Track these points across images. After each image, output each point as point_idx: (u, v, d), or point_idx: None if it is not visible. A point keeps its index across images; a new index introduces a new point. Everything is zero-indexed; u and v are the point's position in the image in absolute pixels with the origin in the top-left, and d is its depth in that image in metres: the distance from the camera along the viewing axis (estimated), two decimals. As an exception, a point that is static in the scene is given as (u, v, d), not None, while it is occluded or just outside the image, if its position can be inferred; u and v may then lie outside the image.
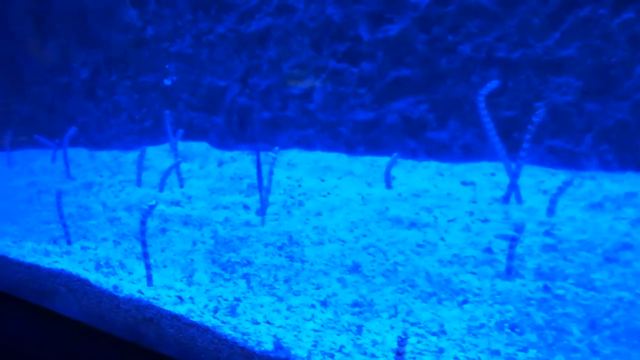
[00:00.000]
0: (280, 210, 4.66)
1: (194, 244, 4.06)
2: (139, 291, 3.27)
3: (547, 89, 5.75)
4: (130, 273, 3.56)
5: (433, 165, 5.94)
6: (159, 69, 7.17)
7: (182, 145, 7.10)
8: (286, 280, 3.35)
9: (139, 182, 5.50)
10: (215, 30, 6.84)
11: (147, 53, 7.19)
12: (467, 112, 6.05)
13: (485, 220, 4.18)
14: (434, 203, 4.68)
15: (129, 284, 3.37)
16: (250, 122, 6.96)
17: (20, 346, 3.28)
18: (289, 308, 3.03)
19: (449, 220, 4.23)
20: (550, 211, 4.28)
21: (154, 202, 3.27)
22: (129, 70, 7.28)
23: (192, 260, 3.77)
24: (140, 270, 3.59)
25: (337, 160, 6.34)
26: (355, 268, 3.50)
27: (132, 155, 6.95)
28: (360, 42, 6.38)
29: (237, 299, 3.16)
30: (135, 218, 4.61)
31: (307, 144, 6.76)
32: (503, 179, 5.39)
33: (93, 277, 3.44)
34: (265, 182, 5.09)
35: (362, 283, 3.31)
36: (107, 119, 7.44)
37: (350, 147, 6.56)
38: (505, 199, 4.61)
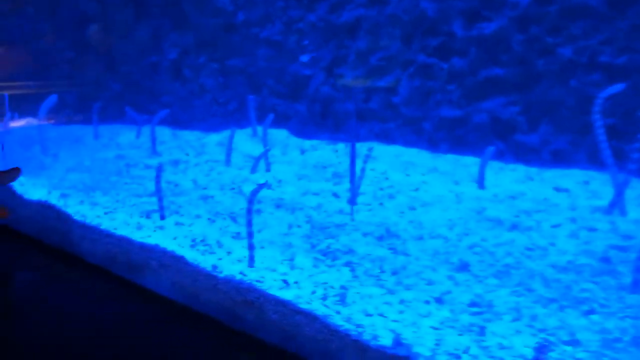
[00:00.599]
0: (371, 201, 4.45)
1: (290, 227, 3.89)
2: (241, 272, 3.11)
3: (653, 97, 5.35)
4: (229, 252, 3.40)
5: (521, 168, 5.61)
6: (247, 54, 7.06)
7: (263, 131, 6.98)
8: (394, 273, 3.13)
9: (227, 162, 5.38)
10: (306, 18, 6.67)
11: (237, 38, 7.08)
12: (561, 117, 5.69)
13: (592, 229, 3.86)
14: (532, 207, 4.38)
15: (229, 264, 3.22)
16: (332, 112, 6.77)
17: (107, 323, 3.17)
18: (401, 302, 2.82)
19: (553, 226, 3.93)
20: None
21: (263, 181, 3.10)
22: (217, 53, 7.20)
23: (290, 243, 3.59)
24: (238, 250, 3.44)
25: (418, 156, 6.09)
26: (464, 267, 3.26)
27: (214, 137, 6.86)
28: (454, 38, 6.09)
29: (343, 287, 2.97)
30: (227, 197, 4.48)
31: (387, 138, 6.53)
32: (598, 187, 5.04)
33: (189, 254, 3.31)
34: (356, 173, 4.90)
35: (474, 282, 3.07)
36: (191, 100, 7.38)
37: (433, 144, 6.29)
38: (609, 209, 4.26)
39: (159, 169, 4.02)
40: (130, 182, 5.04)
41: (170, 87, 7.51)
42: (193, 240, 3.52)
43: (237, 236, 3.68)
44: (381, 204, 4.42)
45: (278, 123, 7.03)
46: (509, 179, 5.27)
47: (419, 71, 6.24)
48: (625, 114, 5.41)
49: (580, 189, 5.03)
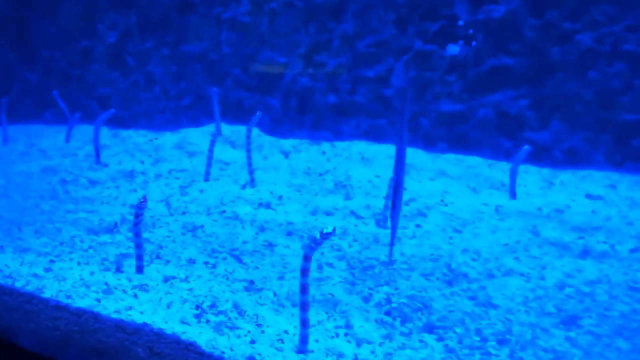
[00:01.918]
0: (404, 223, 3.61)
1: (320, 268, 2.97)
2: None
3: (682, 91, 4.86)
4: (258, 325, 2.36)
5: (532, 170, 4.97)
6: (207, 38, 5.94)
7: (227, 129, 5.92)
8: (500, 342, 2.31)
9: (207, 177, 4.31)
10: (279, -4, 5.66)
11: (194, 18, 5.93)
12: (576, 113, 5.10)
13: (677, 253, 3.25)
14: (586, 223, 3.72)
15: (270, 349, 2.22)
16: (312, 106, 5.83)
17: None
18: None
19: (631, 251, 3.27)
20: None
21: (330, 229, 2.14)
22: (168, 36, 6.01)
23: (332, 296, 2.68)
24: (269, 316, 2.45)
25: (415, 157, 5.30)
26: (572, 320, 2.50)
27: (169, 138, 5.72)
28: (456, 22, 5.33)
29: (444, 371, 2.12)
30: (220, 225, 3.45)
31: (377, 136, 5.69)
32: (631, 193, 4.49)
33: (202, 336, 2.27)
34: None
35: (600, 347, 2.32)
36: (135, 93, 6.16)
37: (430, 142, 5.52)
38: (671, 223, 3.69)
39: (141, 205, 2.77)
40: (75, 210, 3.74)
41: (108, 78, 6.23)
42: (198, 307, 2.47)
43: (252, 288, 2.70)
44: (418, 225, 3.59)
45: (245, 119, 6.00)
46: (530, 184, 4.61)
47: (415, 59, 5.43)
48: (651, 110, 4.91)
49: (614, 195, 4.45)
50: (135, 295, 2.54)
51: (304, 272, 2.18)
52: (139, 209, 2.68)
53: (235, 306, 2.48)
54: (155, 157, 5.01)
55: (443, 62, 5.36)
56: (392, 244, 2.87)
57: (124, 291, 2.58)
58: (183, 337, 2.18)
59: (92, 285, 2.65)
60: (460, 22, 4.87)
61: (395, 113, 5.55)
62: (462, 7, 5.22)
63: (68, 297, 2.54)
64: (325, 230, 2.14)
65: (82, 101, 6.18)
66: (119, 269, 2.78)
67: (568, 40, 4.97)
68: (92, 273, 2.77)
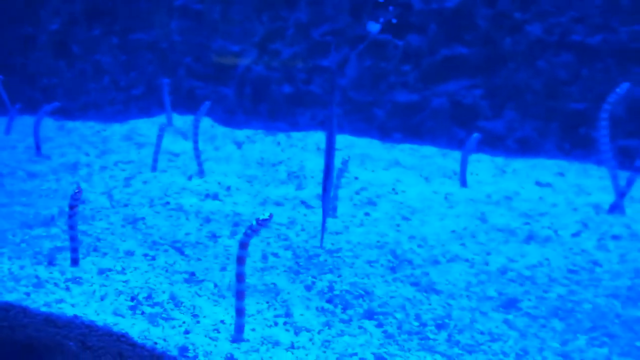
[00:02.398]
0: (353, 211, 3.61)
1: (264, 257, 2.94)
2: (229, 356, 2.09)
3: (627, 80, 4.97)
4: (194, 315, 2.33)
5: (485, 159, 5.04)
6: (158, 26, 5.82)
7: (179, 120, 5.81)
8: (439, 326, 2.33)
9: (154, 167, 4.22)
10: (231, -17, 5.57)
11: (143, 5, 5.80)
12: (528, 102, 5.18)
13: (616, 237, 3.33)
14: (533, 209, 3.78)
15: (205, 339, 2.18)
16: (267, 96, 5.78)
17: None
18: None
19: (573, 235, 3.34)
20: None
21: (267, 215, 2.11)
22: (117, 24, 5.87)
23: (274, 285, 2.65)
24: (207, 307, 2.40)
25: (371, 147, 5.31)
26: (512, 303, 2.53)
27: (117, 129, 5.58)
28: (411, 10, 5.33)
29: (380, 359, 2.12)
30: (162, 217, 3.38)
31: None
32: (579, 180, 4.58)
33: (135, 327, 2.21)
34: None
35: (536, 327, 2.36)
36: (82, 83, 5.99)
37: (385, 133, 5.53)
38: (612, 209, 3.78)
39: (76, 195, 2.70)
40: (9, 203, 3.57)
41: (53, 67, 6.04)
42: (133, 299, 2.40)
43: (193, 280, 2.66)
44: (367, 214, 3.59)
45: (197, 110, 5.91)
46: (482, 172, 4.67)
47: (370, 49, 5.44)
48: (596, 98, 5.01)
49: (562, 182, 4.54)
50: (68, 288, 2.46)
51: (240, 260, 2.15)
52: (74, 200, 2.60)
53: (172, 297, 2.43)
54: (102, 149, 4.88)
55: (397, 52, 5.38)
56: (323, 230, 2.87)
57: (56, 284, 2.50)
58: (115, 328, 2.13)
59: (21, 279, 2.56)
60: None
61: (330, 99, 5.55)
62: (416, -4, 5.24)
63: (-4, 291, 2.46)
64: (261, 217, 2.11)
65: (25, 91, 5.98)
66: (51, 262, 2.70)
67: (519, 30, 5.04)
68: (22, 267, 2.67)
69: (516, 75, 5.09)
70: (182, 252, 2.96)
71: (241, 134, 5.53)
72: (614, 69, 4.82)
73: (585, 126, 4.97)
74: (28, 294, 2.41)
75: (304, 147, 5.23)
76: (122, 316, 2.27)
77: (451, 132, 5.38)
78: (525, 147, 5.10)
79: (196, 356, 2.02)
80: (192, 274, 2.73)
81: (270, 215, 2.12)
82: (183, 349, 2.05)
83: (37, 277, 2.54)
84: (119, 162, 4.49)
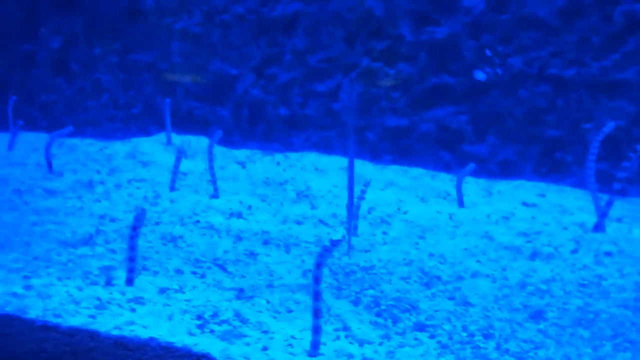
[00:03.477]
0: (371, 230, 3.77)
1: (305, 275, 3.06)
2: None
3: (598, 110, 5.40)
4: (265, 332, 2.39)
5: (470, 180, 5.32)
6: (157, 47, 5.84)
7: (178, 139, 5.85)
8: (486, 336, 2.52)
9: (172, 187, 4.25)
10: (231, 9, 5.68)
11: (144, 27, 5.82)
12: (508, 128, 5.53)
13: (608, 254, 3.63)
14: (529, 228, 4.06)
15: (284, 354, 2.23)
16: (263, 118, 5.89)
17: None
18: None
19: (572, 252, 3.62)
20: (654, 243, 3.86)
21: (339, 236, 2.24)
22: (117, 44, 5.86)
23: (323, 301, 2.77)
24: (272, 324, 2.50)
25: (363, 167, 5.51)
26: (539, 314, 2.76)
27: (119, 147, 5.55)
28: (402, 41, 5.60)
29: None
30: (196, 234, 3.44)
31: (326, 147, 5.85)
32: (560, 201, 4.93)
33: (213, 347, 2.23)
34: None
35: (567, 336, 2.58)
36: (82, 101, 5.93)
37: (376, 155, 5.76)
38: (595, 229, 4.11)
39: (140, 216, 2.71)
40: (41, 222, 3.56)
41: (52, 84, 5.97)
42: (199, 317, 2.46)
43: (243, 297, 2.74)
44: (385, 232, 3.76)
45: (195, 129, 5.96)
46: (471, 193, 4.95)
47: (363, 76, 5.66)
48: (571, 126, 5.42)
49: (545, 203, 4.88)
50: (133, 309, 2.49)
51: (317, 279, 2.27)
52: (137, 221, 2.64)
53: (237, 314, 2.51)
54: (109, 167, 4.86)
55: (388, 80, 5.62)
56: (349, 245, 3.05)
57: (120, 305, 2.52)
58: (195, 349, 2.19)
59: (81, 301, 2.56)
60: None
61: (343, 126, 5.74)
62: (407, 27, 5.51)
63: (57, 315, 2.43)
64: (334, 238, 2.24)
65: (24, 109, 5.86)
66: (109, 282, 2.72)
67: (502, 62, 5.39)
68: (80, 288, 2.67)
69: (499, 103, 5.43)
70: (225, 270, 3.04)
71: (240, 153, 5.61)
72: (586, 100, 5.23)
73: (561, 151, 5.36)
74: (93, 317, 2.41)
75: (302, 168, 5.37)
76: (194, 335, 2.33)
77: (438, 155, 5.65)
78: (506, 170, 5.43)
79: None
80: (241, 290, 2.82)
81: (343, 236, 2.25)
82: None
83: (98, 298, 2.56)
84: (132, 180, 4.49)
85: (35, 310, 2.46)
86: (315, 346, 2.27)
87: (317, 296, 2.28)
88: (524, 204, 4.69)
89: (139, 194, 4.16)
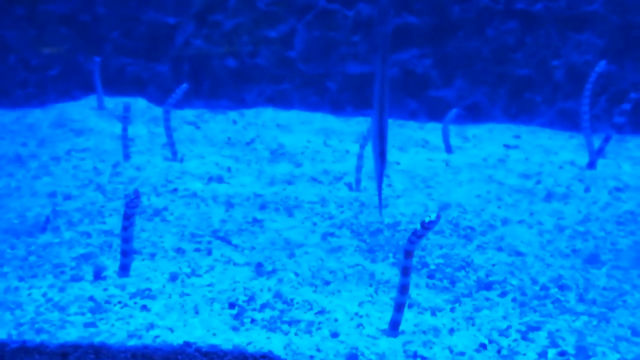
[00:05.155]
0: (373, 184, 3.37)
1: (324, 238, 2.60)
2: (412, 355, 1.74)
3: (566, 46, 5.27)
4: (321, 313, 1.92)
5: (440, 127, 5.07)
6: (75, -6, 4.96)
7: (110, 102, 5.06)
8: (562, 287, 2.21)
9: (126, 154, 3.55)
10: (163, -54, 4.91)
11: (56, -31, 4.91)
12: (477, 70, 5.28)
13: (619, 189, 3.48)
14: (528, 169, 3.85)
15: (363, 339, 1.78)
16: (208, 72, 5.24)
17: None
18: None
19: (585, 190, 3.44)
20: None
21: (433, 217, 1.77)
22: (22, -9, 4.92)
23: (362, 267, 2.33)
24: (326, 302, 2.00)
25: (327, 121, 5.08)
26: (595, 259, 2.51)
27: (41, 115, 4.69)
28: (361, -21, 5.12)
29: (534, 328, 1.94)
30: (180, 205, 2.85)
31: (283, 101, 5.32)
32: (541, 141, 4.77)
33: (272, 342, 1.76)
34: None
35: (636, 279, 2.35)
36: (-19, 62, 4.96)
37: (338, 106, 5.31)
38: (591, 165, 3.97)
39: (134, 200, 2.09)
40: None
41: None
42: (233, 305, 1.92)
43: (264, 272, 2.24)
44: (389, 185, 3.37)
45: (129, 89, 5.19)
46: (453, 140, 4.68)
47: (319, 19, 5.15)
48: (539, 64, 5.26)
49: (525, 143, 4.72)
50: (145, 307, 1.91)
51: (406, 270, 1.82)
52: (131, 208, 2.03)
53: (278, 295, 2.02)
54: (36, 139, 4.05)
55: (347, 22, 5.16)
56: (380, 202, 2.62)
57: (125, 305, 1.93)
58: (251, 349, 1.68)
59: (68, 305, 1.93)
60: None
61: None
62: (366, -37, 5.05)
63: (39, 331, 1.82)
64: (427, 219, 1.78)
65: None
66: (98, 276, 2.10)
67: (467, -2, 5.09)
68: (62, 289, 2.03)
69: (466, 44, 5.15)
70: (229, 242, 2.51)
71: (186, 114, 4.94)
72: (554, 36, 5.08)
73: (530, 91, 5.20)
74: (93, 324, 1.81)
75: (263, 125, 4.83)
76: (237, 329, 1.82)
77: (404, 102, 5.32)
78: (475, 114, 5.21)
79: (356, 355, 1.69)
80: (259, 265, 2.32)
81: (438, 217, 1.80)
82: (352, 357, 1.69)
83: (92, 298, 1.95)
84: (72, 150, 3.75)
85: (3, 327, 1.81)
86: (395, 326, 1.84)
87: (404, 290, 1.82)
88: (506, 146, 4.50)
89: (86, 166, 3.45)
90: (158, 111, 5.08)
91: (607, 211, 3.07)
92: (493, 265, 2.39)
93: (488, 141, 4.66)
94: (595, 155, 4.02)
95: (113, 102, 5.08)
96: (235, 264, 2.33)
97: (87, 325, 1.80)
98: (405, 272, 1.81)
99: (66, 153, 3.76)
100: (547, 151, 4.45)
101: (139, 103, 5.14)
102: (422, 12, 5.14)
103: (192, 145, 4.10)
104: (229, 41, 5.19)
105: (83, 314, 1.86)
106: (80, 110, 4.83)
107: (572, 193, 3.39)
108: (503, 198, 3.28)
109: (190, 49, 5.17)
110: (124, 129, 3.65)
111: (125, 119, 3.66)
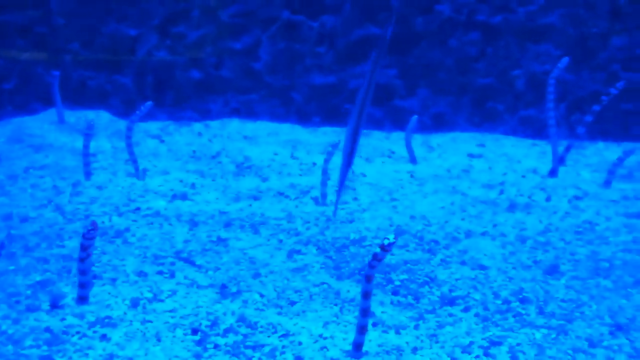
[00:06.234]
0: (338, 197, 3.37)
1: (290, 256, 2.59)
2: None
3: (525, 57, 5.39)
4: (285, 336, 1.92)
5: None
6: (33, 5, 4.85)
7: (71, 116, 4.96)
8: (522, 301, 2.25)
9: (88, 172, 3.47)
10: (123, -43, 4.84)
11: (12, -20, 4.79)
12: (440, 79, 5.36)
13: (578, 198, 3.57)
14: (491, 179, 3.91)
15: (323, 359, 1.81)
16: (172, 84, 5.18)
17: None
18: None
19: (546, 200, 3.51)
20: (607, 183, 3.89)
21: (391, 239, 1.78)
22: (-24, 3, 4.80)
23: (328, 285, 2.33)
24: (289, 324, 2.00)
25: (294, 132, 5.08)
26: (554, 269, 2.56)
27: (-4, 130, 4.57)
28: (325, -10, 5.15)
29: (496, 343, 1.97)
30: (143, 225, 2.80)
31: (249, 113, 5.30)
32: (504, 150, 4.86)
33: None
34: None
35: (592, 288, 2.41)
36: None
37: (304, 117, 5.33)
38: (552, 173, 4.07)
39: (91, 232, 2.06)
40: None
41: None
42: (196, 331, 1.90)
43: (228, 294, 2.22)
44: (355, 198, 3.38)
45: (91, 102, 5.10)
46: (414, 149, 4.73)
47: (284, 30, 5.15)
48: (500, 74, 5.37)
49: (488, 152, 4.80)
50: (104, 337, 1.87)
51: (366, 295, 1.82)
52: (88, 239, 1.98)
53: (242, 319, 2.01)
54: (-11, 155, 3.95)
55: (312, 33, 5.18)
56: (337, 201, 2.63)
57: (83, 335, 1.89)
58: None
59: (23, 338, 1.87)
60: None
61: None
62: (329, -25, 5.08)
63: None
64: (386, 242, 1.79)
65: None
66: (55, 305, 2.05)
67: (430, 10, 5.17)
68: (16, 321, 1.98)
69: (429, 54, 5.22)
70: (193, 264, 2.49)
71: (150, 126, 4.88)
72: (513, 47, 5.19)
73: (492, 100, 5.31)
74: (49, 358, 1.76)
75: (229, 137, 4.80)
76: (200, 358, 1.80)
77: (368, 112, 5.35)
78: (440, 122, 5.28)
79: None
80: (223, 287, 2.30)
81: (396, 238, 1.80)
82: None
83: (48, 329, 1.90)
84: (30, 168, 3.65)
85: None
86: (358, 347, 1.85)
87: (364, 313, 1.82)
88: (470, 155, 4.57)
89: (45, 185, 3.37)
90: (121, 124, 5.01)
91: (566, 221, 3.15)
92: (456, 279, 2.42)
93: (452, 151, 4.73)
94: (557, 163, 4.12)
95: (74, 116, 4.99)
96: (198, 287, 2.30)
97: (42, 358, 1.75)
98: (366, 296, 1.82)
99: (24, 171, 3.67)
100: (511, 159, 4.53)
101: (102, 116, 5.05)
102: (384, 22, 5.19)
103: (155, 160, 4.05)
104: (192, 52, 5.15)
105: (39, 346, 1.81)
106: (39, 124, 4.72)
107: (534, 203, 3.46)
108: (467, 209, 3.33)
109: (153, 60, 5.11)
110: (86, 147, 3.58)
111: (87, 136, 3.59)
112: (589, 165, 4.40)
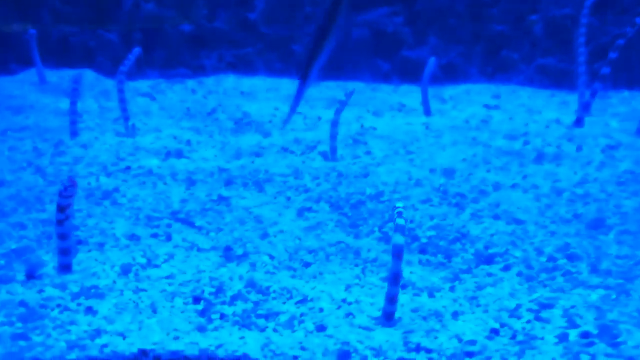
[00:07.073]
0: (351, 152, 3.08)
1: (301, 214, 2.32)
2: (414, 347, 1.49)
3: (543, 0, 5.03)
4: (303, 302, 1.66)
5: (415, 89, 4.75)
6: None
7: (53, 75, 4.61)
8: (571, 258, 1.98)
9: (73, 133, 3.16)
10: None
11: None
12: (450, 26, 5.01)
13: (612, 147, 3.29)
14: (513, 130, 3.63)
15: (352, 330, 1.53)
16: (162, 39, 4.83)
17: None
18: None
19: (577, 150, 3.23)
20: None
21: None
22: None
23: (345, 244, 2.06)
24: (305, 288, 1.73)
25: (294, 87, 4.75)
26: (600, 223, 2.29)
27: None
28: None
29: (547, 305, 1.71)
30: (134, 185, 2.52)
31: (245, 67, 4.96)
32: (517, 101, 4.56)
33: (248, 342, 1.46)
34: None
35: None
36: None
37: (305, 71, 5.00)
38: (578, 123, 3.78)
39: (69, 189, 1.76)
40: None
41: None
42: (197, 300, 1.64)
43: (234, 257, 1.95)
44: (368, 152, 3.10)
45: (74, 60, 4.75)
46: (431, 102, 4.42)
47: (281, -24, 4.78)
48: (516, 20, 5.02)
49: (506, 103, 4.50)
50: (90, 309, 1.60)
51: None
52: (65, 198, 1.70)
53: (251, 284, 1.74)
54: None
55: (312, -22, 4.81)
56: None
57: (65, 307, 1.62)
58: (221, 353, 1.41)
59: None
60: None
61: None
62: None
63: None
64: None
65: None
66: (31, 275, 1.77)
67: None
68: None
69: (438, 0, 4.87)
70: (192, 225, 2.21)
71: (140, 85, 4.55)
72: (531, -12, 4.83)
73: (506, 48, 4.97)
74: (24, 336, 1.49)
75: (225, 93, 4.48)
76: (204, 330, 1.53)
77: (375, 65, 5.03)
78: (450, 74, 4.96)
79: (365, 357, 1.43)
80: (228, 249, 2.03)
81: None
82: (343, 355, 1.42)
83: (23, 303, 1.63)
84: (8, 130, 3.35)
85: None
86: (389, 315, 1.58)
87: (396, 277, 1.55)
88: (486, 106, 4.27)
89: (25, 147, 3.06)
90: (108, 83, 4.67)
91: (604, 171, 2.87)
92: (491, 235, 2.15)
93: (467, 102, 4.42)
94: (582, 112, 3.83)
95: (57, 76, 4.65)
96: (199, 250, 2.03)
97: (15, 337, 1.48)
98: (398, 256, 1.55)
99: (1, 133, 3.36)
100: (530, 110, 4.24)
101: (87, 75, 4.69)
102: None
103: (146, 119, 3.74)
104: (183, 4, 4.79)
105: (11, 323, 1.54)
106: (19, 85, 4.39)
107: (564, 153, 3.18)
108: (491, 161, 3.05)
109: (141, 13, 4.75)
110: (73, 103, 3.26)
111: (74, 91, 3.27)
112: (617, 114, 4.11)
